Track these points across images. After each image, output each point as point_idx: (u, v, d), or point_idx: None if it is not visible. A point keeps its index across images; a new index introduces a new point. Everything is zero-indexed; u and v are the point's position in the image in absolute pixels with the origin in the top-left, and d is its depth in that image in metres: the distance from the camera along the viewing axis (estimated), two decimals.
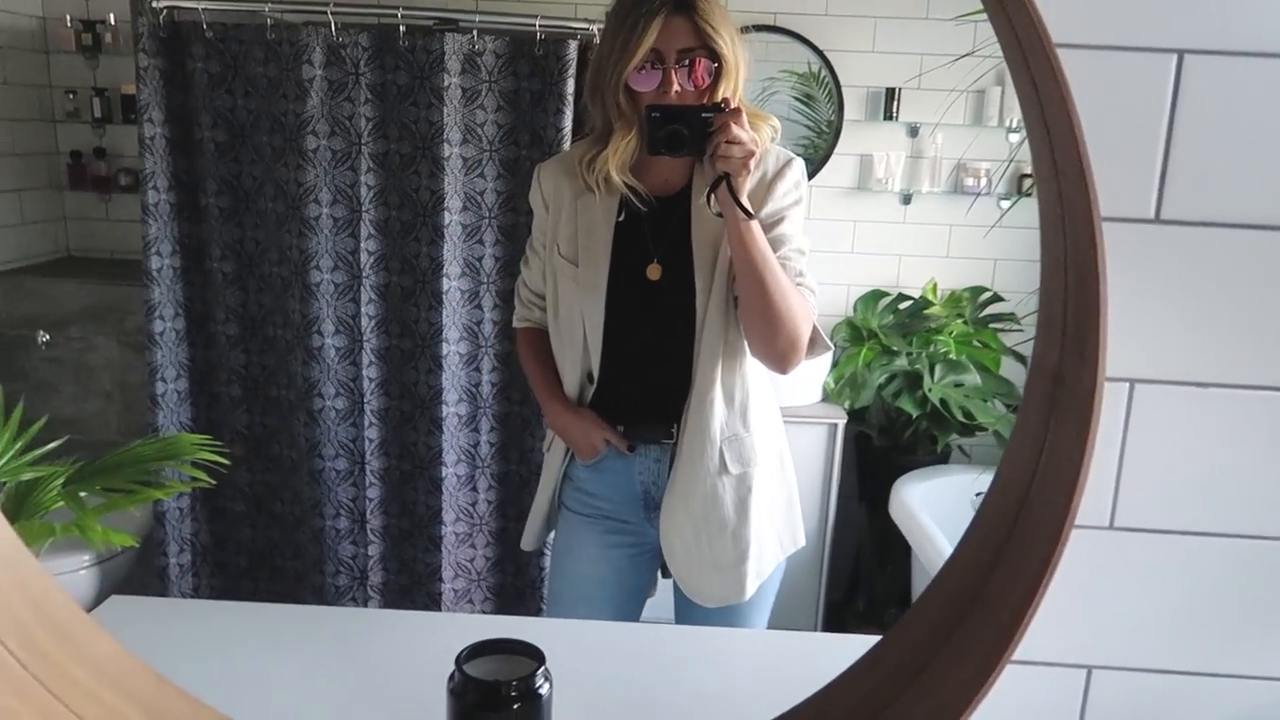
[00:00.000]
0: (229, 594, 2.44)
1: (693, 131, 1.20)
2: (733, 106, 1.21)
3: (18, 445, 0.98)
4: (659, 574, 1.62)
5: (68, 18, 2.92)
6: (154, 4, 2.10)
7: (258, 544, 2.44)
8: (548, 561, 2.22)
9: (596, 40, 2.07)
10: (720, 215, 1.27)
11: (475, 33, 2.13)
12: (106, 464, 0.96)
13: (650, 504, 1.51)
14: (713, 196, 1.25)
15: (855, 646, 0.79)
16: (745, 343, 1.43)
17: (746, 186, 1.23)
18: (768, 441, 1.50)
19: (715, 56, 1.30)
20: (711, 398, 1.41)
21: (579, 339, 1.44)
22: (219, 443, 1.09)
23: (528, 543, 1.66)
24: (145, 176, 2.16)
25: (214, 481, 1.06)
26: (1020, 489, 0.62)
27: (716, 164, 1.20)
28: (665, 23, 1.26)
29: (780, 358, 1.36)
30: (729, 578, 1.47)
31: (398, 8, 2.08)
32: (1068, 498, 0.55)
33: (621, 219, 1.41)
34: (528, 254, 1.56)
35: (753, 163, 1.21)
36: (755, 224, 1.25)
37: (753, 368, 1.47)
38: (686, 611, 1.54)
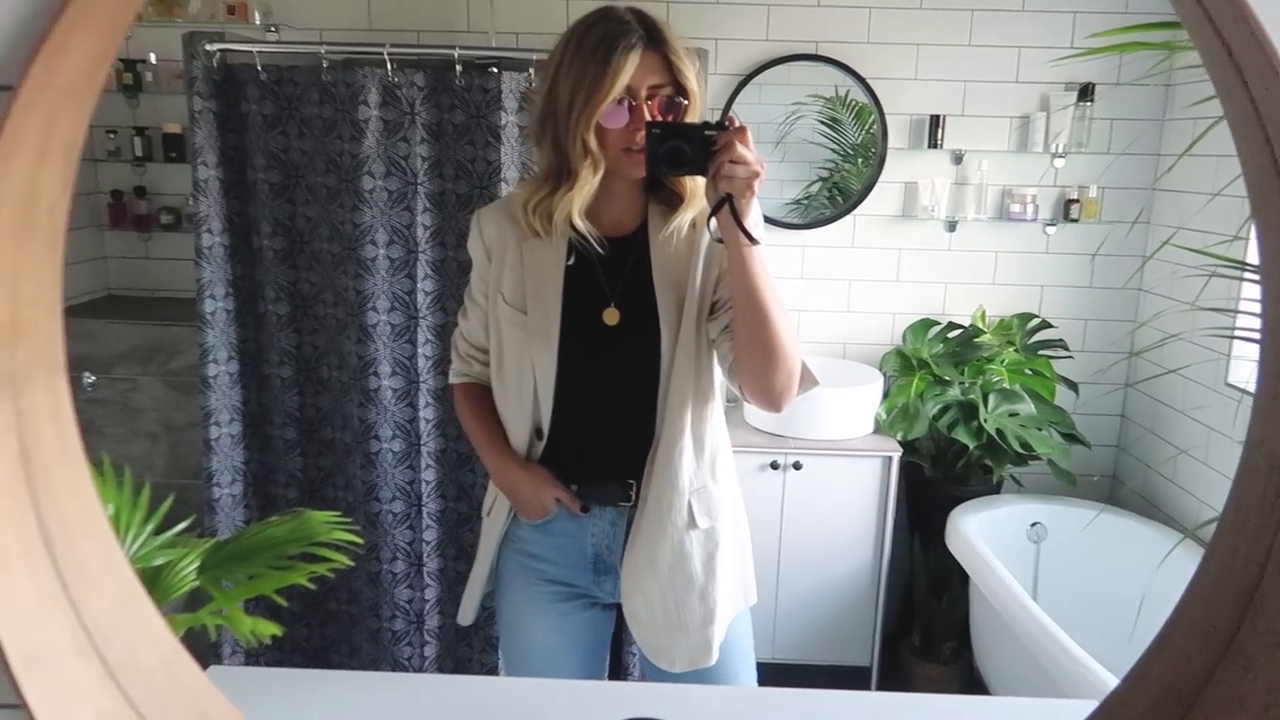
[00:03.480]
0: (279, 638, 2.41)
1: (695, 149, 1.13)
2: (737, 126, 1.13)
3: (149, 527, 0.95)
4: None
5: None
6: (207, 47, 2.09)
7: (310, 589, 2.40)
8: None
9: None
10: (720, 241, 1.19)
11: (531, 70, 2.12)
12: (241, 547, 0.93)
13: (601, 568, 1.42)
14: (713, 220, 1.17)
15: None
16: (717, 385, 1.35)
17: (751, 209, 1.15)
18: (730, 491, 1.43)
19: (683, 92, 1.25)
20: (681, 447, 1.33)
21: (528, 391, 1.35)
22: (349, 520, 1.05)
23: (466, 616, 1.51)
24: (199, 220, 2.14)
25: (352, 563, 1.02)
26: (1242, 585, 0.59)
27: (719, 185, 1.13)
28: (641, 59, 1.20)
29: (778, 395, 1.26)
30: (696, 639, 1.38)
31: (454, 47, 2.07)
32: None
33: (571, 263, 1.33)
34: (466, 305, 1.46)
35: (757, 184, 1.13)
36: (759, 250, 1.17)
37: (719, 413, 1.40)
38: (655, 677, 1.42)
